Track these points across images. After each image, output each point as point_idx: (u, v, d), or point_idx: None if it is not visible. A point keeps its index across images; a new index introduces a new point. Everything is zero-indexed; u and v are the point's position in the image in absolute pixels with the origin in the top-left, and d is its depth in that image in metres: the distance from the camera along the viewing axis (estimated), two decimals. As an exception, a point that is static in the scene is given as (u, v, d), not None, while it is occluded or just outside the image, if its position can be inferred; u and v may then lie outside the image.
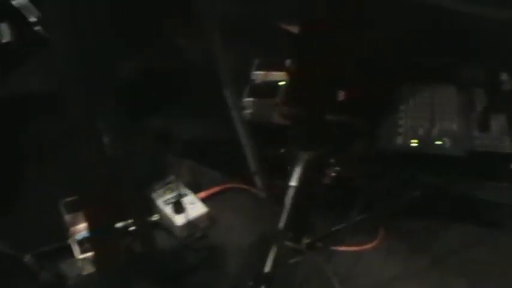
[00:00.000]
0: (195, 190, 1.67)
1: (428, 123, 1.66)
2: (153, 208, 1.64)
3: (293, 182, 1.48)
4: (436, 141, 1.61)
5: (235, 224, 1.61)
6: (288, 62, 1.82)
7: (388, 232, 1.57)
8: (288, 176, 1.48)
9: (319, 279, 1.45)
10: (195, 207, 1.60)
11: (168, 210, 1.60)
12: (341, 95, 1.72)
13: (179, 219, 1.57)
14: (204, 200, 1.65)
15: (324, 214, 1.57)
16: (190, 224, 1.57)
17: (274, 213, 1.48)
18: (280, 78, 1.83)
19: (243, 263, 1.50)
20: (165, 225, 1.61)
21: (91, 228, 1.32)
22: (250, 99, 1.80)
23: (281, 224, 1.39)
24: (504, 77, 1.77)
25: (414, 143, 1.61)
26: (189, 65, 2.02)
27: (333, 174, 1.61)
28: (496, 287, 1.47)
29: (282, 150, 1.59)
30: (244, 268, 1.49)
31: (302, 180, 1.47)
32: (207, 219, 1.61)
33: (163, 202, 1.63)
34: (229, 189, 1.70)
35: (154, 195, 1.65)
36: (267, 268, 1.35)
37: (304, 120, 1.66)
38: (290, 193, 1.46)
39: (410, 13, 1.89)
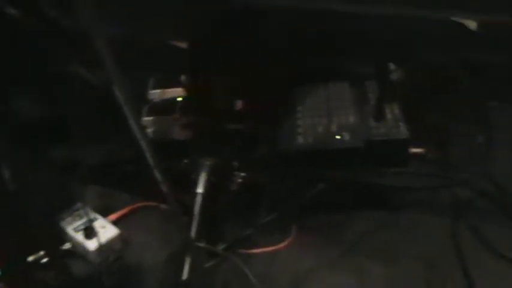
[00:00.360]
0: (105, 214, 1.65)
1: (325, 120, 1.71)
2: (64, 237, 1.61)
3: (199, 189, 1.50)
4: (335, 136, 1.66)
5: (150, 242, 1.60)
6: (183, 77, 1.84)
7: (301, 229, 1.61)
8: (194, 185, 1.50)
9: (239, 281, 1.47)
10: (106, 230, 1.59)
11: (79, 237, 1.57)
12: (239, 105, 1.75)
13: (91, 245, 1.55)
14: (115, 223, 1.63)
15: (234, 220, 1.60)
16: (104, 248, 1.55)
17: (187, 225, 1.49)
18: (177, 94, 1.84)
19: (161, 279, 1.50)
20: (78, 252, 1.59)
21: (1, 266, 1.29)
22: (150, 118, 1.80)
23: (193, 231, 1.40)
24: (392, 67, 1.85)
25: (315, 140, 1.65)
26: (86, 90, 2.00)
27: (240, 180, 1.63)
28: (404, 264, 1.54)
29: (186, 161, 1.60)
30: (162, 283, 1.48)
31: (208, 186, 1.49)
32: (120, 241, 1.59)
33: (73, 230, 1.60)
34: (139, 209, 1.69)
35: (63, 223, 1.62)
36: (184, 276, 1.36)
37: (204, 132, 1.68)
38: (198, 200, 1.47)
39: (296, 18, 1.94)
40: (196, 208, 1.46)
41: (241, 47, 1.74)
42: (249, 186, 1.63)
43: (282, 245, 1.57)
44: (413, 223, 1.66)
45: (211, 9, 1.67)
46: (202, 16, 1.67)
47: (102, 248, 1.54)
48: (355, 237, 1.61)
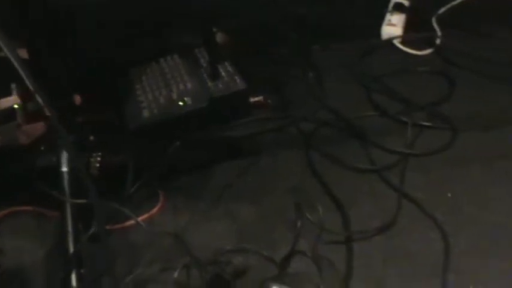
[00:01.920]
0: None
1: (166, 91, 1.77)
2: None
3: (64, 168, 1.50)
4: (178, 102, 1.72)
5: (25, 244, 1.56)
6: (13, 85, 1.82)
7: (168, 192, 1.67)
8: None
9: (128, 252, 1.52)
10: (-26, 245, 1.55)
11: None
12: (77, 100, 1.76)
13: (-39, 263, 1.51)
14: (-16, 236, 1.60)
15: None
16: (-23, 262, 1.51)
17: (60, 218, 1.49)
18: (13, 102, 1.82)
19: (48, 272, 1.49)
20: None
21: None
22: (-10, 130, 1.77)
23: (67, 210, 1.40)
24: (214, 30, 1.95)
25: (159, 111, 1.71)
26: None
27: (97, 164, 1.65)
28: (271, 198, 1.67)
29: (42, 148, 1.60)
30: (50, 275, 1.49)
31: (71, 164, 1.50)
32: (-8, 251, 1.56)
33: None
34: (4, 216, 1.65)
35: None
36: (71, 250, 1.37)
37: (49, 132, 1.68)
38: (65, 178, 1.48)
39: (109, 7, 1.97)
40: (65, 187, 1.46)
41: (66, 44, 1.76)
42: (109, 167, 1.65)
43: (153, 211, 1.61)
44: (271, 163, 1.78)
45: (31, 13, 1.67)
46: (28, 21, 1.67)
47: (-25, 263, 1.51)
48: (220, 188, 1.69)
